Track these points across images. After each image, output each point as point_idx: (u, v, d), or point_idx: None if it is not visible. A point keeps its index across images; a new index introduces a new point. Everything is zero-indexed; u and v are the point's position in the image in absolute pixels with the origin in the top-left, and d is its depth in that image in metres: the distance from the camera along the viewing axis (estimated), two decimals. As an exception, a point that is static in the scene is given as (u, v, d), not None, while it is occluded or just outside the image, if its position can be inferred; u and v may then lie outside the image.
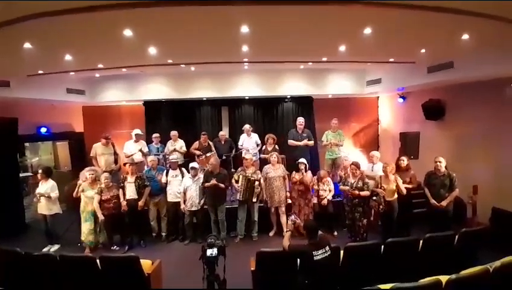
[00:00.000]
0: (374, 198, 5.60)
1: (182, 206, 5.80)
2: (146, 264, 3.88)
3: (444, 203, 5.07)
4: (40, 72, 6.00)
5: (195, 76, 8.19)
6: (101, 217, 5.48)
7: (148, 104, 9.02)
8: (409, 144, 7.98)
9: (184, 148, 7.33)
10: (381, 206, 5.35)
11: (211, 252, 3.51)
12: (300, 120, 7.19)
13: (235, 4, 3.22)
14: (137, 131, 7.13)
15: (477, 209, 6.02)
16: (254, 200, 5.89)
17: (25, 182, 7.29)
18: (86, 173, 5.75)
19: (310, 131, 7.31)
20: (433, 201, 5.17)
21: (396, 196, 5.26)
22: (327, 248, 3.29)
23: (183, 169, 6.26)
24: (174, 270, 4.63)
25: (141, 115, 9.08)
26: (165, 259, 4.48)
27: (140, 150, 6.88)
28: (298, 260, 3.45)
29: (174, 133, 7.40)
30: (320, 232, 3.46)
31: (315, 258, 3.17)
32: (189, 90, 8.39)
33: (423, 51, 5.43)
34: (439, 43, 5.01)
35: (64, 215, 6.04)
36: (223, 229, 5.90)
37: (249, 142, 7.39)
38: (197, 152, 7.09)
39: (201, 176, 5.92)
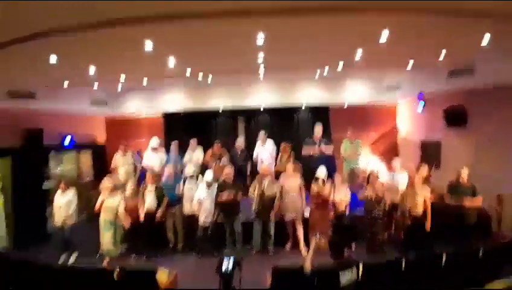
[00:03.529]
0: (399, 211, 5.41)
1: (199, 216, 5.74)
2: (162, 275, 3.90)
3: (467, 202, 4.82)
4: (65, 84, 6.22)
5: (212, 86, 8.30)
6: (127, 224, 5.53)
7: (166, 116, 9.24)
8: (430, 153, 7.71)
9: (201, 159, 7.33)
10: (406, 220, 5.16)
11: (227, 265, 3.50)
12: (318, 128, 7.07)
13: (252, 15, 3.26)
14: (154, 141, 7.23)
15: (503, 221, 5.73)
16: (272, 217, 5.81)
17: (48, 192, 7.52)
18: (105, 183, 5.87)
19: (326, 140, 7.17)
20: (452, 201, 4.94)
21: (422, 209, 5.04)
22: (354, 270, 3.13)
23: (199, 179, 6.25)
24: (189, 283, 4.61)
25: (160, 126, 9.31)
26: (181, 271, 4.51)
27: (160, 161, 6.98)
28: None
29: (193, 141, 7.42)
30: (346, 251, 3.32)
31: (341, 282, 3.01)
32: (206, 101, 8.56)
33: (444, 55, 5.27)
34: (460, 47, 4.86)
35: (83, 225, 6.16)
36: (238, 242, 5.85)
37: (263, 151, 7.35)
38: (210, 161, 7.11)
39: (215, 186, 5.90)
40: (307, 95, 8.50)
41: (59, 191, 5.90)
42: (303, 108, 9.11)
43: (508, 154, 5.88)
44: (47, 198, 7.18)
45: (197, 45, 4.38)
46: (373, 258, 4.41)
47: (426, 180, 5.52)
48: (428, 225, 4.99)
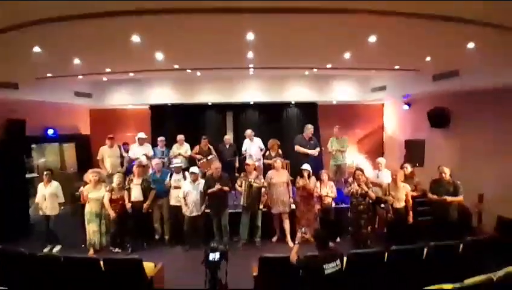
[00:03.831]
0: (382, 206, 5.54)
1: (184, 209, 5.73)
2: (149, 267, 3.89)
3: (448, 198, 5.01)
4: (49, 75, 6.10)
5: (201, 81, 8.30)
6: (112, 214, 5.51)
7: (153, 108, 9.14)
8: (414, 151, 7.94)
9: (189, 152, 7.34)
10: (389, 215, 5.31)
11: (214, 256, 3.51)
12: (310, 129, 7.16)
13: (242, 12, 3.27)
14: (141, 135, 7.20)
15: (482, 218, 5.97)
16: (261, 207, 5.89)
17: (30, 183, 7.35)
18: (89, 175, 5.79)
19: (316, 139, 7.30)
20: (434, 196, 5.14)
21: (403, 204, 5.24)
22: (338, 262, 3.16)
23: (186, 173, 6.25)
24: (176, 274, 4.62)
25: (147, 119, 9.19)
26: (168, 262, 4.50)
27: (145, 155, 6.93)
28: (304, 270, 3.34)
29: (180, 137, 7.41)
30: (331, 243, 3.37)
31: (326, 272, 3.05)
32: (194, 95, 8.51)
33: (428, 58, 5.44)
34: (444, 51, 5.02)
35: (68, 217, 6.07)
36: (225, 234, 5.88)
37: (252, 147, 7.41)
38: (198, 156, 7.13)
39: (201, 181, 5.90)
40: (296, 92, 8.57)
41: (42, 183, 5.81)
42: (291, 104, 9.18)
43: (488, 154, 6.11)
44: (30, 189, 7.02)
45: (186, 40, 4.37)
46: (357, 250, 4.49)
47: (410, 177, 5.68)
48: (410, 219, 5.18)
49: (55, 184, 5.79)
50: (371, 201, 5.47)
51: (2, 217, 6.28)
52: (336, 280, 3.11)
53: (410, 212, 5.20)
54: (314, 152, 6.91)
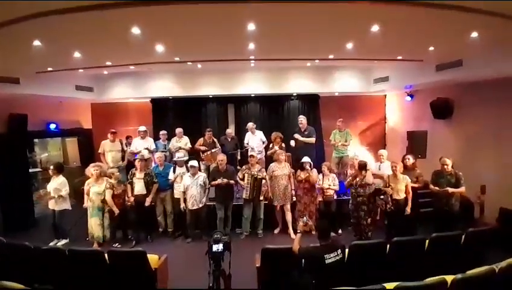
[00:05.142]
0: (382, 197, 5.56)
1: (182, 205, 5.78)
2: (153, 259, 3.92)
3: (449, 189, 5.01)
4: (49, 69, 6.08)
5: (202, 73, 8.24)
6: (116, 211, 5.56)
7: (155, 101, 9.11)
8: (416, 142, 7.92)
9: (189, 145, 7.34)
10: (388, 205, 5.32)
11: (217, 247, 3.54)
12: (301, 119, 7.15)
13: (243, 2, 3.23)
14: (142, 128, 7.23)
15: (485, 209, 5.97)
16: (261, 198, 5.92)
17: (34, 178, 7.39)
18: (90, 169, 5.81)
19: (313, 128, 7.25)
20: (435, 187, 5.14)
21: (404, 195, 5.24)
22: (339, 251, 3.22)
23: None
24: (180, 265, 4.68)
25: (148, 112, 9.18)
26: (172, 254, 4.53)
27: (147, 148, 6.94)
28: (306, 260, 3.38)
29: (179, 130, 7.40)
30: (333, 234, 3.39)
31: (327, 261, 3.10)
32: (195, 88, 8.46)
33: (431, 48, 5.37)
34: (447, 41, 4.96)
35: (72, 211, 6.11)
36: (227, 226, 5.94)
37: (253, 140, 7.41)
38: (202, 148, 7.14)
39: (201, 174, 5.92)
40: (297, 83, 8.51)
41: (52, 177, 5.83)
42: (293, 96, 9.14)
43: (491, 145, 6.08)
44: (33, 183, 7.06)
45: (186, 31, 4.31)
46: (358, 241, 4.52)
47: (411, 169, 5.67)
48: (408, 210, 5.20)
49: (59, 180, 5.77)
50: (372, 193, 5.48)
51: (6, 212, 6.34)
52: (337, 270, 3.16)
53: (409, 204, 5.21)
54: (303, 139, 6.87)
